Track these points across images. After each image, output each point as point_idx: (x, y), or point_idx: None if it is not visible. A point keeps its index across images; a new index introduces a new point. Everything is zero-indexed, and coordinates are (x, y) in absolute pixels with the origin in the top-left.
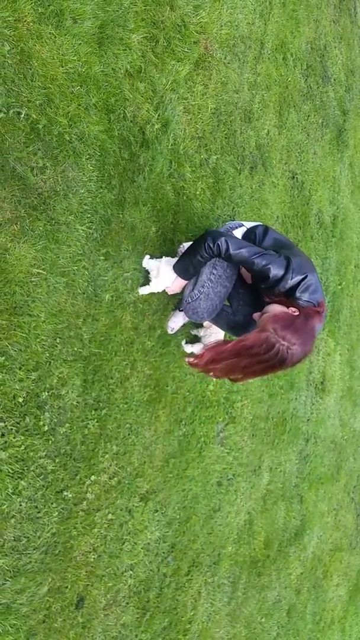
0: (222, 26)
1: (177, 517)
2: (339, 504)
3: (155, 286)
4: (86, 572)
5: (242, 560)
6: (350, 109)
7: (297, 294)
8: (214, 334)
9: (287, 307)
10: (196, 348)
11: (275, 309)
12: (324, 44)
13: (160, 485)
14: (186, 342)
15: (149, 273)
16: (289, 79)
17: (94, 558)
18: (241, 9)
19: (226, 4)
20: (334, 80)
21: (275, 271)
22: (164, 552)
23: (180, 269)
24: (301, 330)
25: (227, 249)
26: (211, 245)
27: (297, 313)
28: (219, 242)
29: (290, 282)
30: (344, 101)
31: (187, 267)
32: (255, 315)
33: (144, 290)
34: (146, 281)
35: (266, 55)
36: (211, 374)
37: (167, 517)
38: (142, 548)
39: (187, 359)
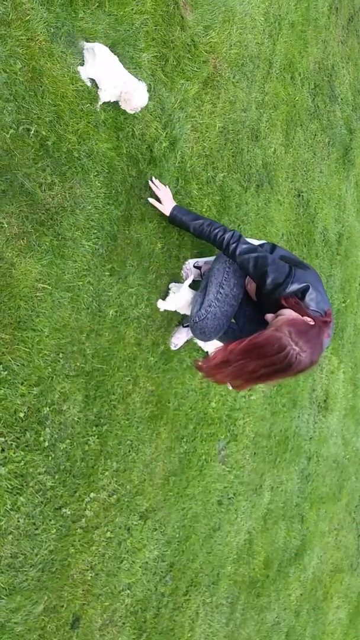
0: (231, 46)
1: (176, 535)
2: (340, 524)
3: (172, 303)
4: (83, 590)
5: (241, 581)
6: (357, 128)
7: (306, 302)
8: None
9: (302, 315)
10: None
11: (292, 313)
12: (331, 64)
13: (160, 504)
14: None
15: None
16: (297, 98)
17: (91, 576)
18: (250, 29)
19: (236, 25)
20: (341, 99)
21: (273, 274)
22: (162, 572)
23: (190, 217)
24: (313, 341)
25: (239, 239)
26: (226, 229)
27: (312, 323)
28: (235, 232)
29: (290, 288)
30: (350, 120)
31: (196, 217)
32: (269, 316)
33: (161, 305)
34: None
35: (274, 74)
36: (216, 377)
37: (166, 536)
38: (140, 567)
39: (194, 362)
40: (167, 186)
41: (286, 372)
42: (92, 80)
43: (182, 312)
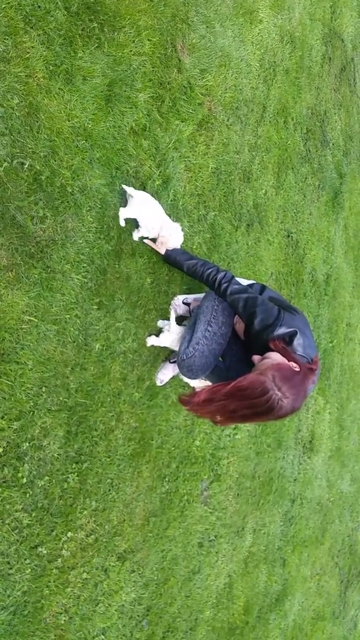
0: (226, 89)
1: (154, 578)
2: (322, 568)
3: (163, 339)
4: (55, 636)
5: (220, 627)
6: (347, 173)
7: (294, 346)
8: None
9: (288, 360)
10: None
11: (277, 357)
12: (324, 110)
13: (139, 545)
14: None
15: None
16: (289, 142)
17: (64, 620)
18: (246, 74)
19: (232, 69)
20: (333, 144)
21: (262, 315)
22: (138, 615)
23: (185, 256)
24: (297, 387)
25: (231, 280)
26: (219, 269)
27: (298, 369)
28: (227, 273)
29: (278, 331)
30: (341, 165)
31: (190, 257)
32: (255, 357)
33: (151, 341)
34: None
35: (268, 118)
36: (199, 413)
37: (144, 578)
38: (116, 610)
39: (179, 396)
40: None
41: (267, 415)
42: (127, 221)
43: (172, 348)
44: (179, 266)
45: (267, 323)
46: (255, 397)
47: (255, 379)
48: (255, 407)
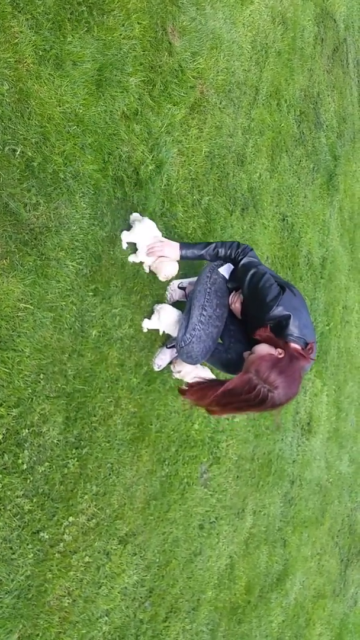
0: (218, 72)
1: (156, 560)
2: (322, 548)
3: (157, 323)
4: (59, 618)
5: (222, 607)
6: (342, 155)
7: (290, 329)
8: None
9: (275, 347)
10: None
11: (262, 349)
12: (317, 92)
13: (140, 528)
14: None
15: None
16: (282, 125)
17: (68, 603)
18: (238, 57)
19: (223, 52)
20: (326, 126)
21: (264, 292)
22: (141, 597)
23: (199, 246)
24: (285, 372)
25: (247, 253)
26: (239, 244)
27: (282, 355)
28: (247, 247)
29: (275, 311)
30: (335, 147)
31: (205, 245)
32: (245, 354)
33: (145, 325)
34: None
35: (260, 101)
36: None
37: (146, 561)
38: (118, 592)
39: (179, 388)
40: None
41: (261, 407)
42: (129, 244)
43: (167, 332)
44: (198, 258)
45: (266, 301)
46: (245, 394)
47: (240, 380)
48: (247, 401)
